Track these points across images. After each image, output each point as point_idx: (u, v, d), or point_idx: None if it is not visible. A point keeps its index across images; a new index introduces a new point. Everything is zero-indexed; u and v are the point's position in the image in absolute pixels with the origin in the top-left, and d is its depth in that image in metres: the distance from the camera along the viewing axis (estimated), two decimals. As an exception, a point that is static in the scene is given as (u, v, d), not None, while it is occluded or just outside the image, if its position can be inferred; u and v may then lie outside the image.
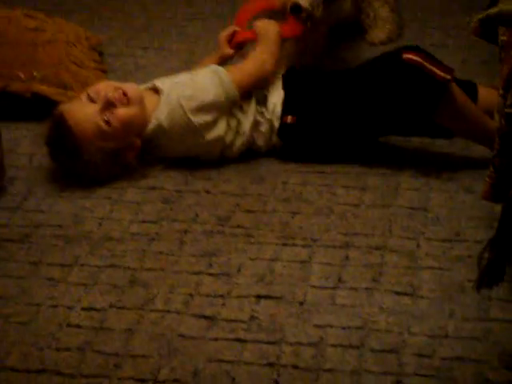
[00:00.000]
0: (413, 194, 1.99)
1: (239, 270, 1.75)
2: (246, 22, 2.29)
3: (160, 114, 2.04)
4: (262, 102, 2.12)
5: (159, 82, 2.12)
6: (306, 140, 2.11)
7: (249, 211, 1.94)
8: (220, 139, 2.08)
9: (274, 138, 2.13)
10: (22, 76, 2.30)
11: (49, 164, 2.11)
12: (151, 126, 2.05)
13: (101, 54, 2.61)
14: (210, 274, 1.74)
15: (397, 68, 2.01)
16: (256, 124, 2.11)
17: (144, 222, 1.91)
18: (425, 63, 1.98)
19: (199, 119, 2.04)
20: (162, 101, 2.05)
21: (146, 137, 2.06)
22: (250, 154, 2.14)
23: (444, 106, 1.99)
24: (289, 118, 2.10)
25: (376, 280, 1.71)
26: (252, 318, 1.62)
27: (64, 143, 2.00)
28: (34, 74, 2.30)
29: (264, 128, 2.12)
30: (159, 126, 2.05)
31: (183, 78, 2.13)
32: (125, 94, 2.01)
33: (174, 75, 2.18)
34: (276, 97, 2.13)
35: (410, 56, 2.00)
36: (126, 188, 2.03)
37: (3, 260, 1.77)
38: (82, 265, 1.76)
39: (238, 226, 1.89)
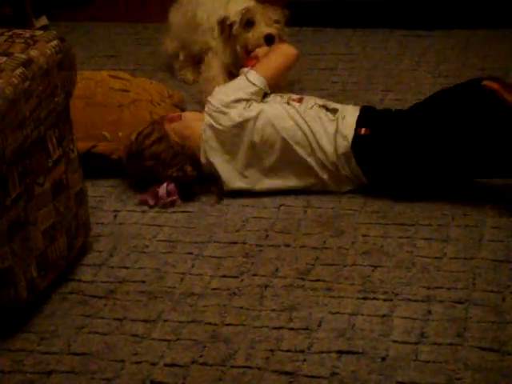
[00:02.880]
0: (497, 245, 1.95)
1: (320, 325, 1.74)
2: None
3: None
4: (331, 111, 2.24)
5: None
6: (379, 152, 2.14)
7: (329, 264, 1.94)
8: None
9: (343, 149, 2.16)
10: (108, 136, 2.38)
11: (133, 220, 2.17)
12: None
13: (183, 110, 2.68)
14: (291, 329, 1.74)
15: (475, 91, 2.06)
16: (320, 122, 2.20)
17: (225, 276, 1.92)
18: (501, 90, 2.02)
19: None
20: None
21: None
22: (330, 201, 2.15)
23: None
24: (362, 130, 2.16)
25: (460, 335, 1.67)
26: (333, 374, 1.60)
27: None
28: (119, 134, 2.37)
29: (329, 129, 2.19)
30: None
31: None
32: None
33: None
34: (350, 115, 2.22)
35: (489, 83, 2.05)
36: (207, 243, 2.06)
37: (89, 316, 1.81)
38: (165, 320, 1.79)
39: (318, 280, 1.88)
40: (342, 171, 2.18)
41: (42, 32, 1.84)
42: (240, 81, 2.30)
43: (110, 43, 3.40)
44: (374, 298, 1.80)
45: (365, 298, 1.81)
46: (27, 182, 1.74)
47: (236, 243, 2.04)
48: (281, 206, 2.19)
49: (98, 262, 2.00)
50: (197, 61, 2.84)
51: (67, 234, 1.90)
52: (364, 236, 2.03)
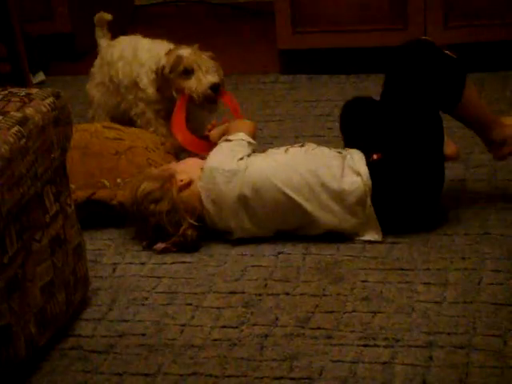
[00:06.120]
0: (496, 288, 1.94)
1: (321, 374, 1.73)
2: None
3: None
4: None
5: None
6: (394, 175, 2.15)
7: (329, 312, 1.93)
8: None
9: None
10: (107, 184, 2.39)
11: (131, 273, 2.17)
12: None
13: (177, 156, 2.69)
14: (292, 379, 1.73)
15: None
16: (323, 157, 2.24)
17: (225, 327, 1.92)
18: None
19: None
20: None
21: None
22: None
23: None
24: (374, 156, 2.17)
25: (462, 381, 1.66)
26: (336, 424, 1.59)
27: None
28: (118, 181, 2.39)
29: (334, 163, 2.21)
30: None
31: None
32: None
33: None
34: (354, 153, 2.23)
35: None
36: (206, 293, 2.05)
37: (89, 372, 1.80)
38: (165, 374, 1.78)
39: (319, 328, 1.88)
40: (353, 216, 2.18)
41: (37, 90, 1.86)
42: (218, 146, 2.30)
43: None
44: (374, 345, 1.80)
45: (365, 345, 1.80)
46: (24, 238, 1.74)
47: (235, 293, 2.04)
48: (279, 253, 2.19)
49: (98, 316, 2.00)
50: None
51: (66, 289, 1.89)
52: (363, 282, 2.03)
